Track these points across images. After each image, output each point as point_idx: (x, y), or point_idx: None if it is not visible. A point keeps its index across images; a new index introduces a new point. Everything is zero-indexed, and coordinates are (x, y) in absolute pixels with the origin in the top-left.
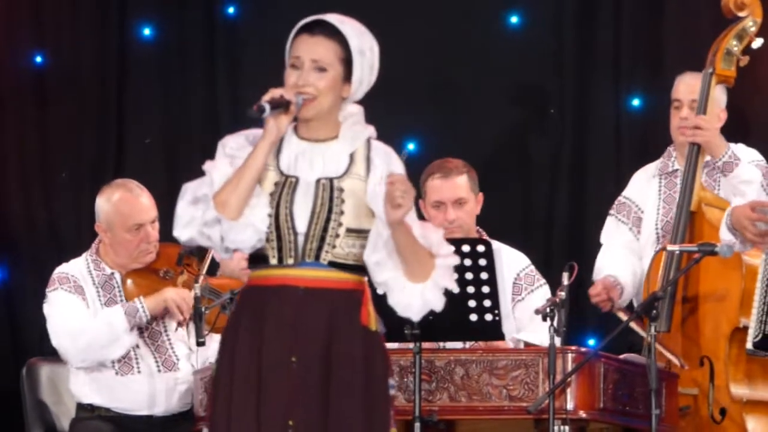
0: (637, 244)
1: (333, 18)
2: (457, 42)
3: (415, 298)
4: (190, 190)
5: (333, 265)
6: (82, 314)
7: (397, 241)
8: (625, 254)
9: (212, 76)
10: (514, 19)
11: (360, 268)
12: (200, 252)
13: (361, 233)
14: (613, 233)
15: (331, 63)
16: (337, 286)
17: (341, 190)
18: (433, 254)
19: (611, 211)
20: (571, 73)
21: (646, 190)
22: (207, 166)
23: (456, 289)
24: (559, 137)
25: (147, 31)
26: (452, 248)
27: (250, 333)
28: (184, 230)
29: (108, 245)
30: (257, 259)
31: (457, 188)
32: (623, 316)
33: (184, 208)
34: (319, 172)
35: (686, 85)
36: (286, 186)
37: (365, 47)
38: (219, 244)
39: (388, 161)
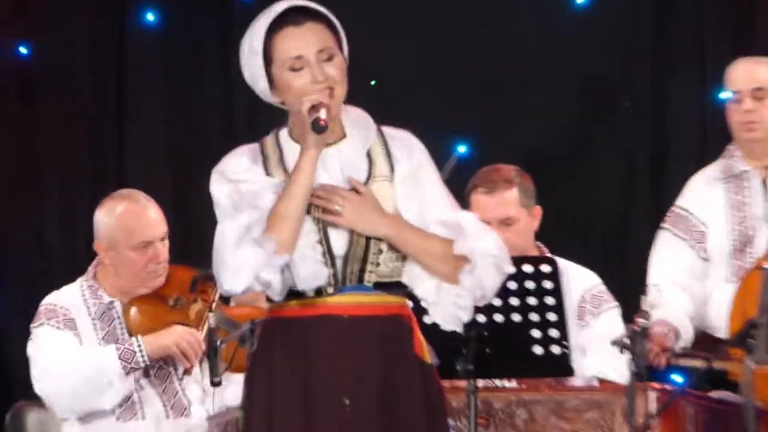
0: (700, 263)
1: (301, 2)
2: (512, 26)
3: (448, 303)
4: (230, 232)
5: (379, 286)
6: (71, 355)
7: (399, 246)
8: (680, 284)
9: (228, 70)
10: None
11: (404, 286)
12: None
13: None
14: (667, 253)
15: (334, 46)
16: (384, 311)
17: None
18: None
19: (665, 225)
20: (647, 61)
21: (708, 198)
22: (246, 194)
23: (516, 318)
24: (634, 134)
25: (151, 17)
26: (494, 239)
27: (289, 372)
28: (236, 280)
29: (109, 267)
30: (288, 291)
31: (503, 205)
32: (691, 362)
33: (232, 254)
34: (341, 181)
35: (745, 72)
36: (312, 204)
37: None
38: (279, 289)
39: (409, 151)
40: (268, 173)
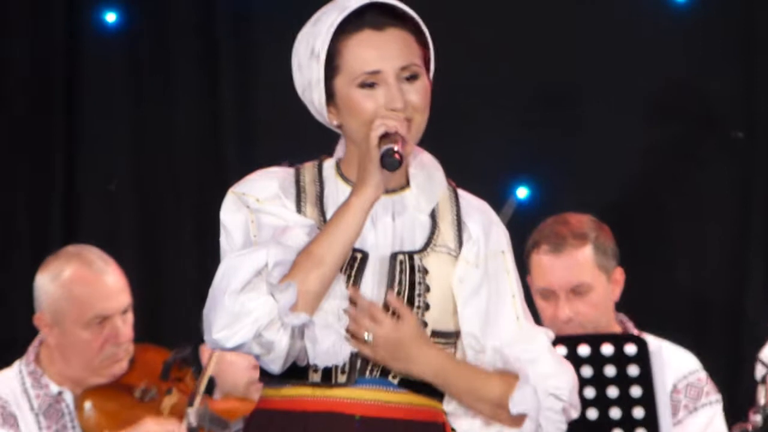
0: None
1: None
2: (585, 35)
3: None
4: (239, 268)
5: (406, 384)
6: None
7: (440, 388)
8: None
9: (212, 81)
10: None
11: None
12: (196, 360)
13: (450, 338)
14: None
15: (420, 63)
16: (410, 415)
17: (425, 271)
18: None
19: None
20: (765, 75)
21: None
22: (266, 227)
23: (593, 416)
24: (748, 174)
25: (111, 17)
26: (567, 380)
27: None
28: (230, 330)
29: (54, 348)
30: (286, 371)
31: (574, 269)
32: None
33: (233, 298)
34: (392, 243)
35: None
36: (346, 264)
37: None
38: (282, 357)
39: (488, 229)
40: (299, 210)
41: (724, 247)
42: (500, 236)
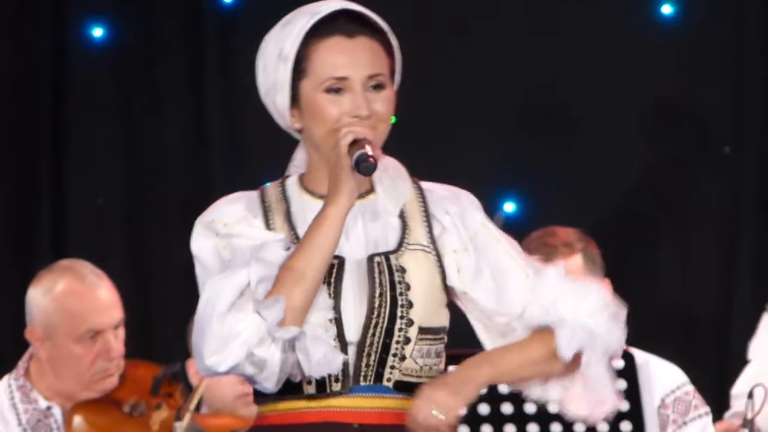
0: None
1: (354, 5)
2: (573, 47)
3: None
4: (222, 291)
5: (401, 387)
6: None
7: (499, 381)
8: None
9: (199, 96)
10: (666, 9)
11: None
12: (185, 375)
13: (438, 334)
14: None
15: (386, 73)
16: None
17: (403, 270)
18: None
19: None
20: (756, 90)
21: None
22: (242, 250)
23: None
24: (737, 190)
25: (98, 32)
26: (595, 304)
27: None
28: (221, 355)
29: (45, 362)
30: (281, 387)
31: None
32: None
33: (221, 320)
34: (366, 247)
35: None
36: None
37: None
38: (276, 373)
39: (459, 211)
40: (268, 228)
41: (711, 262)
42: (473, 212)
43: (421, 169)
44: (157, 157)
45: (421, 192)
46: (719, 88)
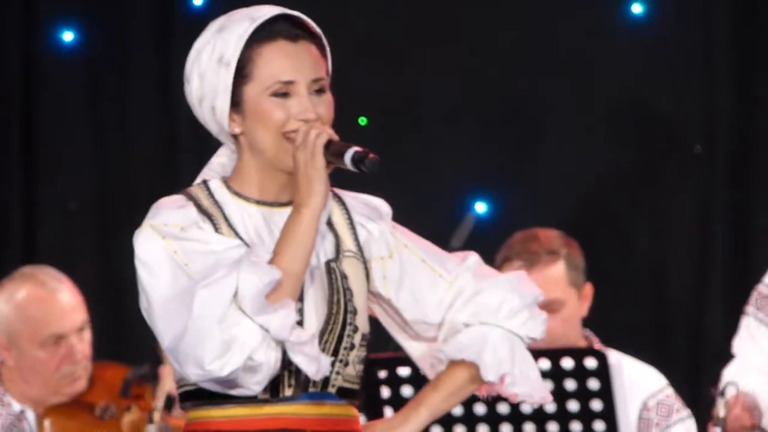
0: None
1: (290, 11)
2: (543, 45)
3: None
4: (217, 297)
5: (342, 394)
6: None
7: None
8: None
9: (169, 99)
10: (636, 8)
11: (359, 396)
12: (154, 376)
13: (368, 340)
14: (751, 345)
15: (326, 79)
16: (349, 427)
17: (345, 276)
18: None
19: (748, 309)
20: (727, 89)
21: None
22: (208, 254)
23: (553, 430)
24: (708, 190)
25: (68, 36)
26: (496, 286)
27: None
28: (223, 359)
29: (13, 369)
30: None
31: (547, 285)
32: None
33: (221, 324)
34: (316, 252)
35: None
36: None
37: None
38: (270, 376)
39: (384, 221)
40: (218, 233)
41: (682, 262)
42: (386, 217)
43: (392, 172)
44: (128, 161)
45: (341, 200)
46: (689, 86)
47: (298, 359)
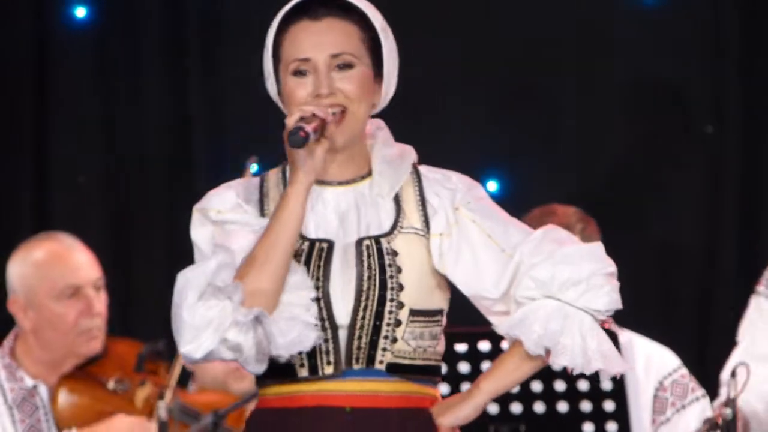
0: None
1: None
2: (558, 27)
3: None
4: (193, 280)
5: (394, 369)
6: None
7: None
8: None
9: (181, 76)
10: None
11: (433, 371)
12: (170, 352)
13: (433, 316)
14: (761, 325)
15: (358, 53)
16: (401, 403)
17: (394, 253)
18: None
19: (758, 288)
20: (736, 69)
21: None
22: (216, 239)
23: (563, 408)
24: (719, 169)
25: (81, 11)
26: (555, 257)
27: None
28: (195, 343)
29: (29, 334)
30: (275, 369)
31: None
32: None
33: (191, 310)
34: (358, 230)
35: None
36: (313, 256)
37: (385, 23)
38: (253, 355)
39: (448, 194)
40: (263, 214)
41: (694, 240)
42: (455, 193)
43: None
44: (140, 136)
45: (417, 176)
46: (700, 67)
47: (268, 334)
